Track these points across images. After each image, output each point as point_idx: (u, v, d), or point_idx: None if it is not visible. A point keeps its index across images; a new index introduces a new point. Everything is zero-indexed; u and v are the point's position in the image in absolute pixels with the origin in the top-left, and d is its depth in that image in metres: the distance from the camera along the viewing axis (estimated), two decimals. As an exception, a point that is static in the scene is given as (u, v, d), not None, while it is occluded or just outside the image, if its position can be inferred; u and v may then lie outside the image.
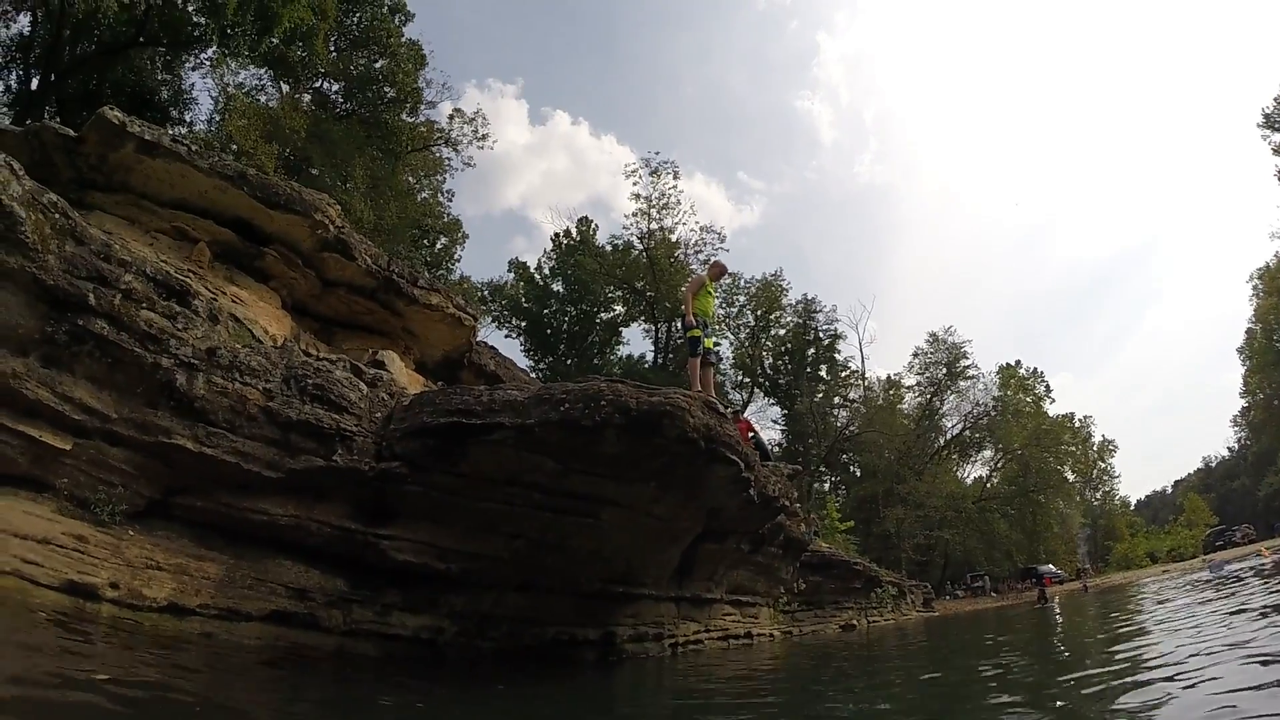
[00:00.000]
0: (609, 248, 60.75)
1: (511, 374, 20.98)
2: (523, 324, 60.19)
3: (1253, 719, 4.30)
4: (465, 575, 10.98)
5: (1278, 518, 69.25)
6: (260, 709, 6.14)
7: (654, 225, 57.43)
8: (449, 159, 46.11)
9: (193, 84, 35.59)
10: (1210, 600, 15.84)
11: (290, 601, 9.44)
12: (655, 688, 10.86)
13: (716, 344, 13.51)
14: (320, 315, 16.12)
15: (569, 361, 57.56)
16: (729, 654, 16.48)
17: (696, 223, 60.81)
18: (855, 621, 29.20)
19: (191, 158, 13.08)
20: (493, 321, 58.22)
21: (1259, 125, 56.31)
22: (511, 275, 62.15)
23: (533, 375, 33.90)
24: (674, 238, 58.30)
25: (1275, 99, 54.92)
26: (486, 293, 58.45)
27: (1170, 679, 6.18)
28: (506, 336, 59.84)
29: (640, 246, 58.32)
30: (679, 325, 58.35)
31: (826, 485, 62.96)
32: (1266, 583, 15.79)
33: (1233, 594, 16.22)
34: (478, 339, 20.53)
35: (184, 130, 32.61)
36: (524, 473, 10.48)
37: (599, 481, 10.84)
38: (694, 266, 58.90)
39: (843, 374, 67.64)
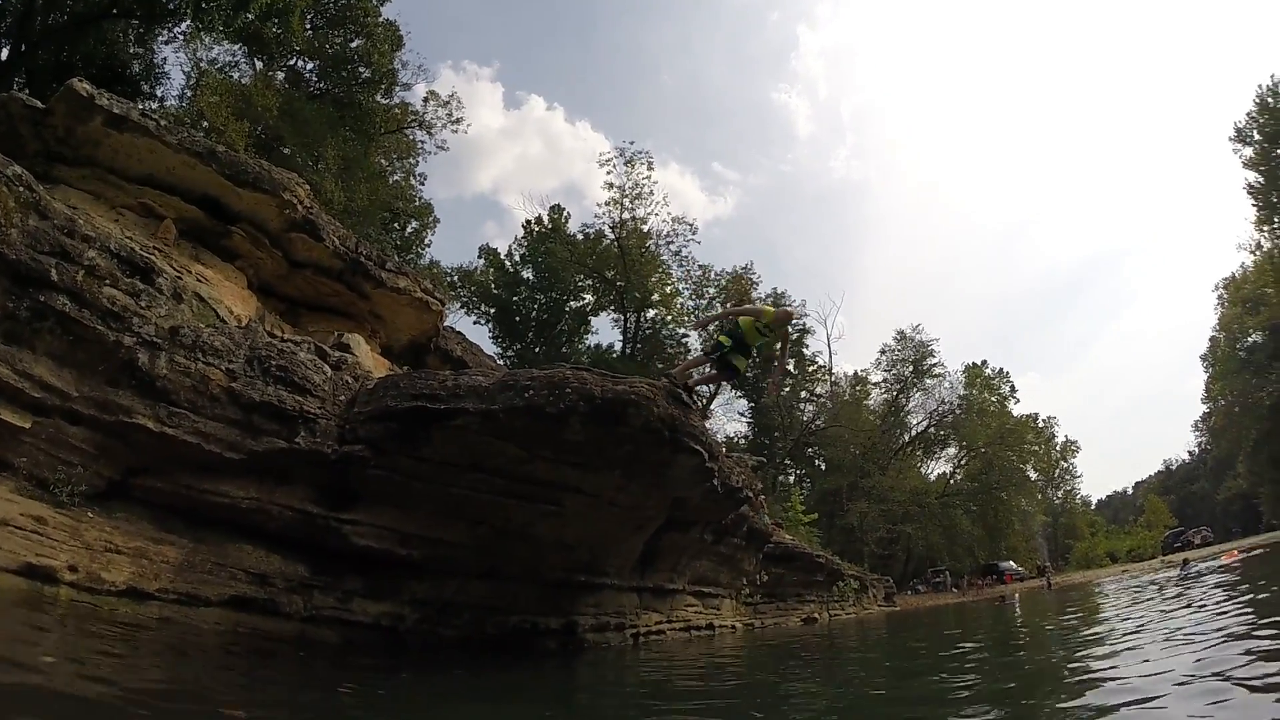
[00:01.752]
0: (580, 236, 60.23)
1: (478, 360, 20.89)
2: (491, 311, 59.67)
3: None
4: (427, 562, 10.96)
5: (1235, 521, 70.62)
6: (218, 696, 6.09)
7: (626, 215, 57.15)
8: (422, 142, 45.51)
9: (165, 58, 34.89)
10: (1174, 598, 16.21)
11: (250, 587, 9.38)
12: (616, 678, 10.87)
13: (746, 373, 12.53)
14: (286, 296, 15.99)
15: (537, 349, 57.23)
16: (691, 645, 16.57)
17: (669, 213, 60.45)
18: (817, 614, 29.40)
19: (160, 133, 12.96)
20: (461, 307, 57.70)
21: (1230, 139, 57.43)
22: (481, 261, 61.63)
23: (500, 362, 33.75)
24: (646, 228, 58.04)
25: (1248, 114, 55.99)
26: (456, 278, 57.93)
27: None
28: (475, 323, 59.29)
29: (612, 236, 57.94)
30: (648, 315, 58.55)
31: (791, 478, 63.08)
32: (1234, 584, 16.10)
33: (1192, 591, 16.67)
34: (445, 324, 20.45)
35: (154, 105, 31.94)
36: (488, 459, 10.45)
37: (563, 469, 10.82)
38: (664, 257, 59.21)
39: (810, 369, 67.55)
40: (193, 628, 8.49)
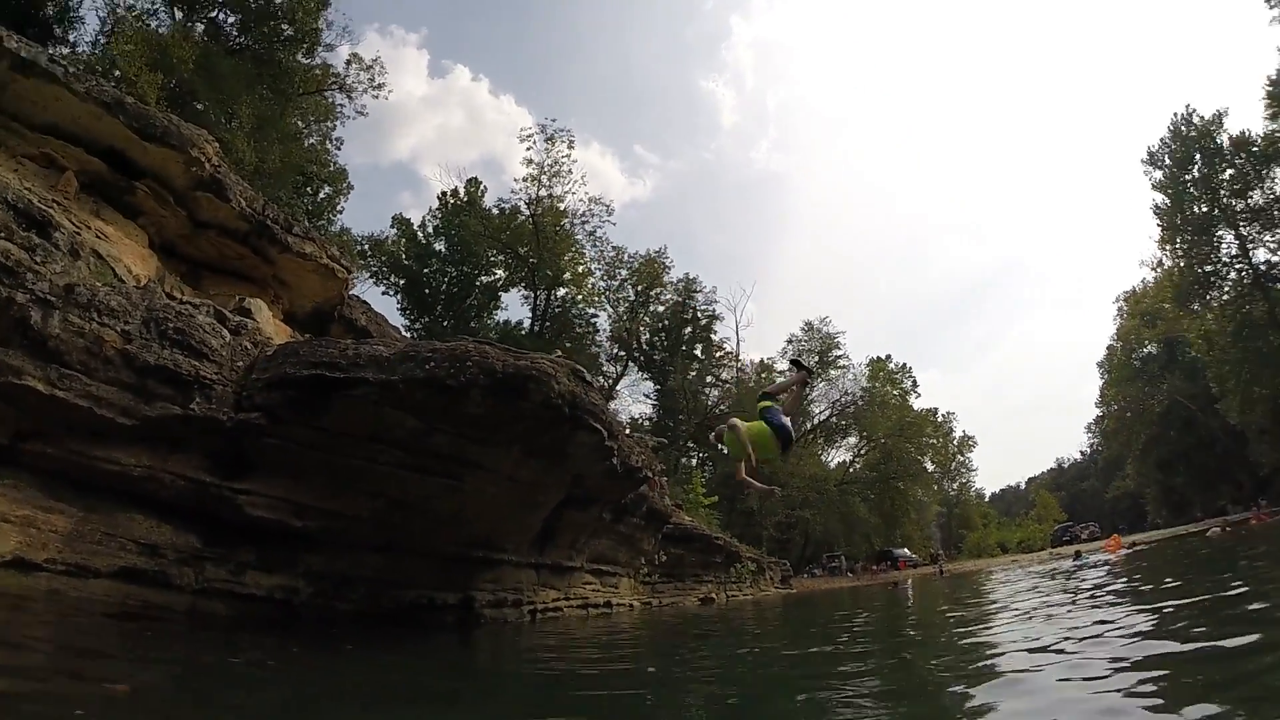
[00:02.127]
0: (496, 211, 59.38)
1: (383, 331, 20.59)
2: (401, 282, 58.55)
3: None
4: (323, 534, 10.86)
5: (1122, 519, 74.16)
6: (103, 672, 5.99)
7: (543, 192, 56.79)
8: (341, 105, 44.48)
9: (81, 1, 33.64)
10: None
11: (141, 558, 9.19)
12: (512, 653, 10.76)
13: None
14: (188, 257, 15.60)
15: (445, 323, 56.27)
16: (588, 622, 16.69)
17: (587, 193, 60.49)
18: (714, 595, 29.81)
19: (68, 80, 12.54)
20: (370, 277, 56.55)
21: (1143, 161, 60.32)
22: (394, 231, 60.30)
23: (408, 335, 33.37)
24: (562, 206, 57.82)
25: (1161, 140, 58.80)
26: (366, 247, 56.70)
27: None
28: (384, 294, 58.14)
29: (527, 212, 57.51)
30: (559, 294, 58.29)
31: (694, 461, 63.57)
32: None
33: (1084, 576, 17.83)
34: (351, 293, 20.19)
35: (66, 51, 30.81)
36: (387, 430, 10.43)
37: (462, 443, 10.86)
38: (579, 237, 59.55)
39: (717, 354, 68.02)
40: (82, 600, 8.31)
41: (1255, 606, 7.21)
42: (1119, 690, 4.42)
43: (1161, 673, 4.82)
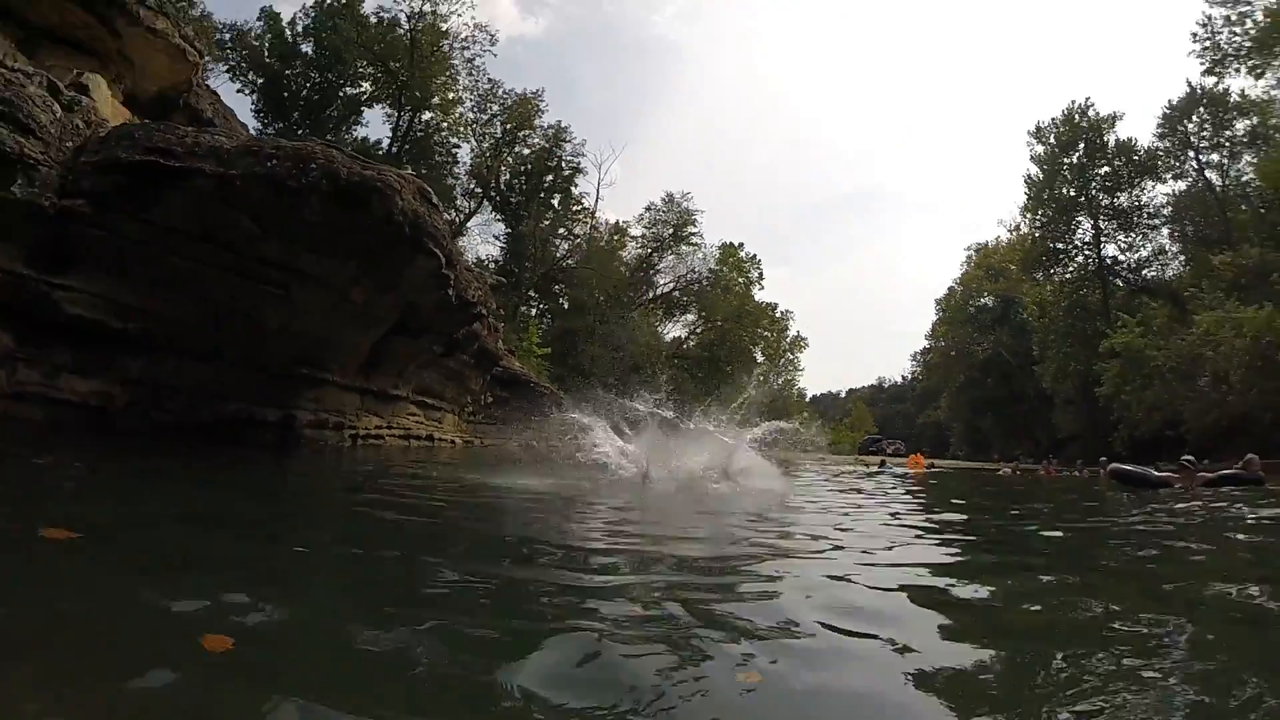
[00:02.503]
0: (374, 19, 56.38)
1: (230, 126, 19.49)
2: (259, 81, 54.85)
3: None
4: (144, 338, 10.55)
5: (927, 444, 79.70)
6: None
7: (427, 7, 54.44)
8: None
9: None
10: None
11: (-54, 357, 8.64)
12: (332, 477, 10.54)
13: None
14: (26, 21, 14.11)
15: (300, 131, 53.41)
16: (409, 452, 16.83)
17: (473, 18, 58.25)
18: (536, 442, 30.37)
19: None
20: (227, 71, 52.90)
21: (1029, 133, 65.19)
22: (260, 24, 56.56)
23: (258, 136, 31.76)
24: (445, 26, 55.61)
25: (1052, 119, 63.62)
26: (228, 36, 53.25)
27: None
28: (239, 91, 54.08)
29: (407, 27, 55.10)
30: (423, 117, 56.30)
31: (534, 311, 63.54)
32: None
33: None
34: (202, 81, 19.12)
35: None
36: (219, 230, 10.13)
37: (297, 251, 10.66)
38: (456, 62, 57.69)
39: (574, 208, 67.23)
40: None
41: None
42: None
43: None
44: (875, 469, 31.17)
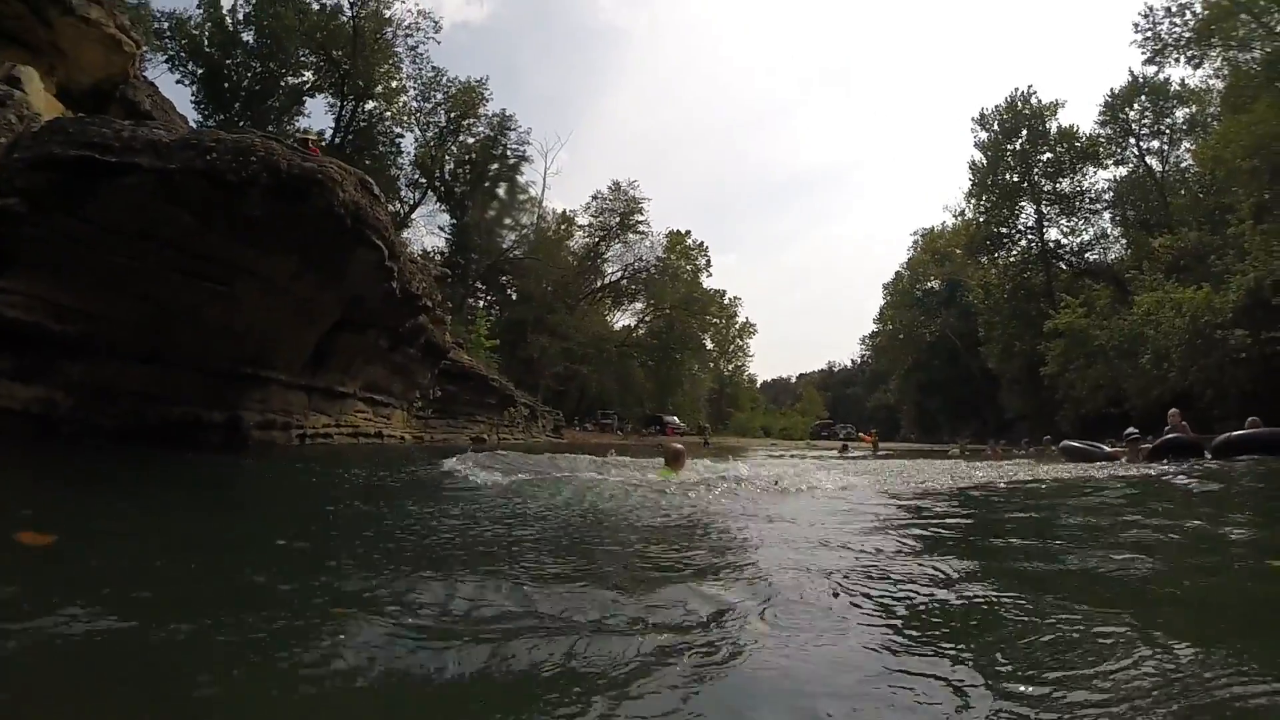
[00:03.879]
0: (316, 6, 55.51)
1: (169, 119, 19.07)
2: (199, 71, 54.04)
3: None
4: (85, 340, 10.32)
5: (878, 427, 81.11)
6: None
7: (371, -7, 54.21)
8: None
9: None
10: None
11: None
12: (276, 479, 10.20)
13: None
14: None
15: (241, 123, 52.24)
16: (359, 449, 16.69)
17: (416, 4, 57.98)
18: (486, 436, 30.38)
19: None
20: (166, 61, 51.87)
21: (974, 119, 66.84)
22: (199, 12, 55.40)
23: (198, 129, 31.15)
24: (388, 14, 55.32)
25: (996, 106, 65.59)
26: (166, 25, 52.12)
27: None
28: (178, 82, 53.05)
29: (350, 14, 54.42)
30: (366, 107, 55.74)
31: (481, 303, 63.29)
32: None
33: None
34: (139, 72, 18.72)
35: None
36: (159, 226, 9.95)
37: (238, 247, 10.52)
38: (399, 50, 57.55)
39: (520, 197, 66.99)
40: None
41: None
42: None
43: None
44: (838, 455, 31.81)
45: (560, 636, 2.66)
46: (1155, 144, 58.73)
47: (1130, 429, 17.93)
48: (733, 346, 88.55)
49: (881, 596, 3.53)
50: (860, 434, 50.92)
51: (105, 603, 2.84)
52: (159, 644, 2.47)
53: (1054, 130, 62.59)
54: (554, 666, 2.42)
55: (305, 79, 58.02)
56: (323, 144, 47.42)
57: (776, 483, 9.70)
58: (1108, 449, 17.11)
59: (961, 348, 77.24)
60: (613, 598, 3.31)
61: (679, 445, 10.98)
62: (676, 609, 3.13)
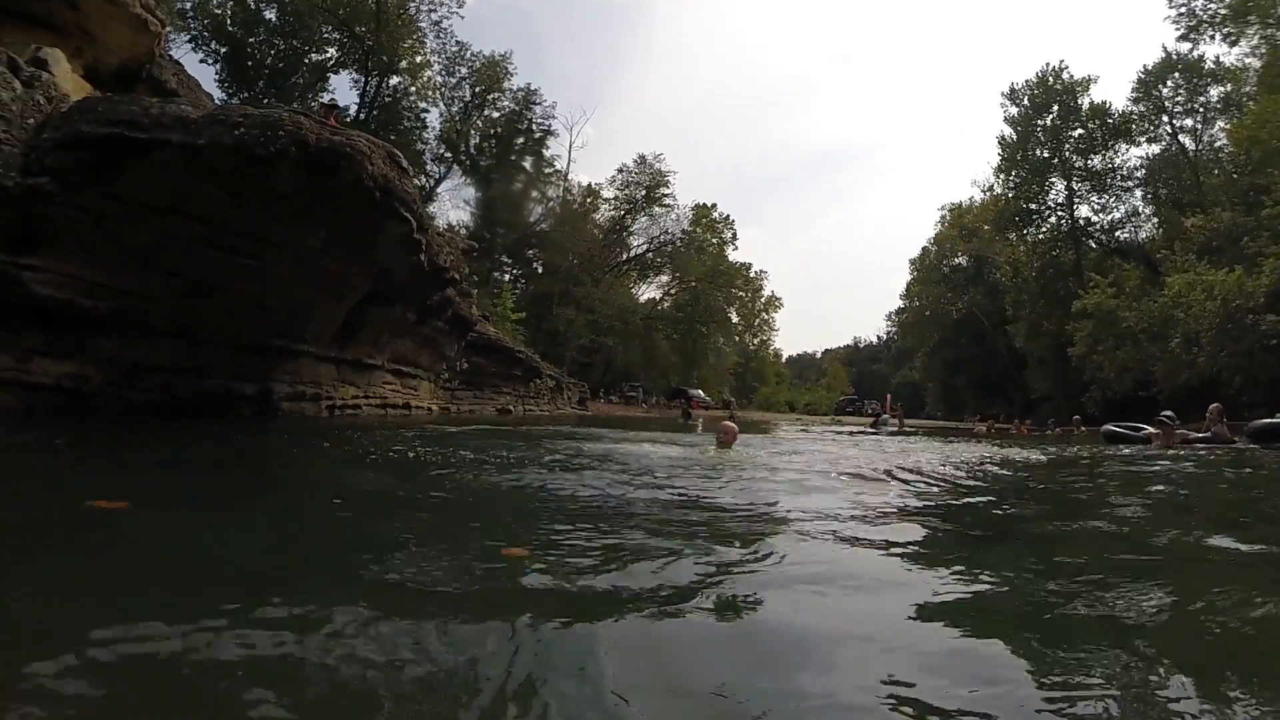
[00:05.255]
0: (339, -20, 55.80)
1: (195, 96, 19.27)
2: (223, 50, 53.75)
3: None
4: (116, 316, 10.38)
5: (903, 404, 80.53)
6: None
7: (392, -34, 53.90)
8: None
9: None
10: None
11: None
12: (309, 448, 10.28)
13: None
14: None
15: (265, 100, 52.66)
16: (386, 421, 16.80)
17: (438, -24, 57.47)
18: (512, 407, 30.49)
19: None
20: (190, 41, 51.56)
21: (1003, 94, 65.95)
22: (222, -9, 55.74)
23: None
24: (411, -12, 55.24)
25: (1026, 81, 64.32)
26: (189, 5, 52.11)
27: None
28: (201, 62, 52.70)
29: (372, -12, 54.37)
30: (391, 82, 55.63)
31: (507, 276, 63.37)
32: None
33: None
34: (164, 52, 18.78)
35: None
36: (188, 202, 9.99)
37: (268, 221, 10.55)
38: (423, 25, 57.40)
39: (546, 171, 67.01)
40: None
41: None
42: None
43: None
44: (872, 426, 32.09)
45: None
46: (1189, 122, 57.43)
47: (1166, 412, 17.59)
48: (758, 320, 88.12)
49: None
50: (887, 412, 51.07)
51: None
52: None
53: (1086, 106, 61.41)
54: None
55: (329, 55, 57.96)
56: (346, 119, 47.45)
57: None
58: (1149, 429, 16.78)
59: (988, 326, 76.52)
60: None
61: (732, 424, 11.67)
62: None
